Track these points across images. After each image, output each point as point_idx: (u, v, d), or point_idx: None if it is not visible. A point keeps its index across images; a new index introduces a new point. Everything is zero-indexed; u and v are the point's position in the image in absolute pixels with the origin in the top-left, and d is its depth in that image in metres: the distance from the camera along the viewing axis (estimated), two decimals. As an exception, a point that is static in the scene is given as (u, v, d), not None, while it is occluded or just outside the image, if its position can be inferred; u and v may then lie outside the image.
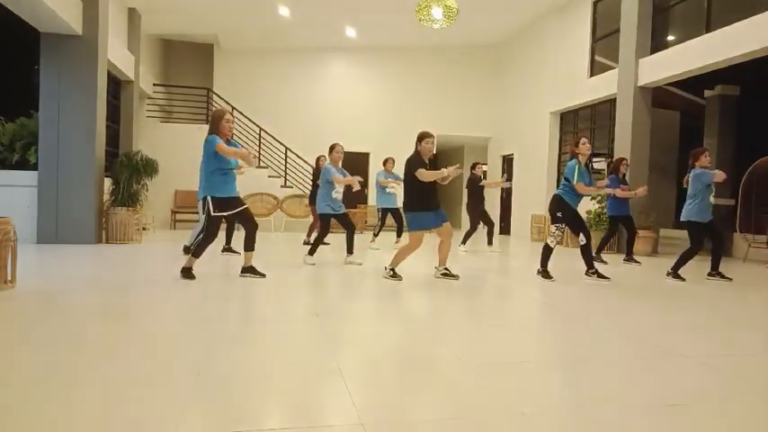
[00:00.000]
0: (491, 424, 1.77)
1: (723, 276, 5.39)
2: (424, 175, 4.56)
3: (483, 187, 7.98)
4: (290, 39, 12.25)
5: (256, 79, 12.73)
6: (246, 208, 4.60)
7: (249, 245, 4.60)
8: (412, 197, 4.71)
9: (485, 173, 8.09)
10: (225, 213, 4.47)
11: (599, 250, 6.77)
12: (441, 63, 13.49)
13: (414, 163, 4.65)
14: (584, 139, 5.12)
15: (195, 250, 4.49)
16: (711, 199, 5.31)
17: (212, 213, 4.41)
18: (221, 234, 6.73)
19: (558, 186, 5.27)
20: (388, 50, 13.25)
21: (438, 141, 4.79)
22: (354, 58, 13.25)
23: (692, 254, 5.36)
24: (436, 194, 4.79)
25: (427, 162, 4.73)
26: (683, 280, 5.30)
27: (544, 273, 5.13)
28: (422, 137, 4.71)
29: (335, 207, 5.86)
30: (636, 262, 6.90)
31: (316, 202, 7.97)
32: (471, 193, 8.02)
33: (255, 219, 4.67)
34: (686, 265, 5.36)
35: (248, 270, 4.62)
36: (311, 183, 8.40)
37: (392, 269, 4.86)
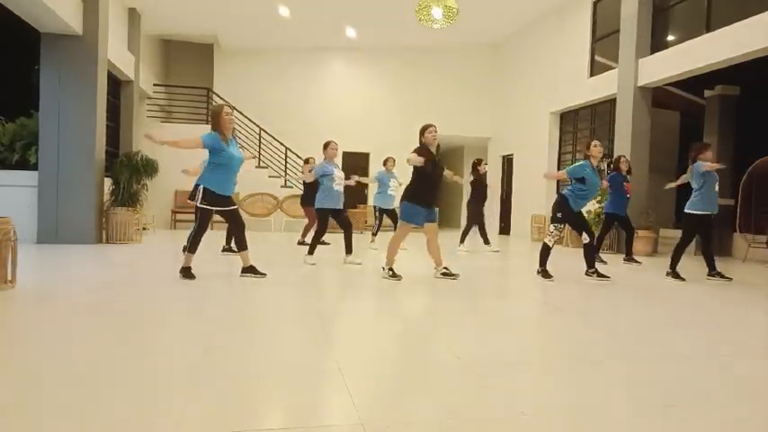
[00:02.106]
0: (491, 424, 1.77)
1: (723, 276, 5.38)
2: (409, 157, 4.61)
3: (485, 186, 7.93)
4: (290, 39, 12.26)
5: (256, 79, 12.73)
6: (236, 208, 4.64)
7: (241, 244, 4.63)
8: (410, 187, 4.78)
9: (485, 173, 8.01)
10: (210, 208, 4.47)
11: (596, 249, 6.77)
12: (441, 63, 13.49)
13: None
14: (595, 142, 5.13)
15: (190, 246, 4.50)
16: (717, 187, 5.30)
17: (199, 203, 4.41)
18: (220, 234, 6.74)
19: (558, 188, 5.27)
20: (388, 50, 13.26)
21: (438, 141, 4.84)
22: (354, 57, 13.26)
23: (682, 247, 5.41)
24: (435, 193, 4.78)
25: (434, 152, 4.74)
26: (683, 279, 5.31)
27: (544, 272, 5.13)
28: (423, 129, 4.78)
29: (335, 201, 5.89)
30: (636, 262, 6.89)
31: (309, 203, 8.09)
32: (473, 191, 8.00)
33: (243, 219, 4.71)
34: (689, 267, 5.36)
35: (248, 270, 4.62)
36: (302, 184, 8.41)
37: (390, 268, 4.86)
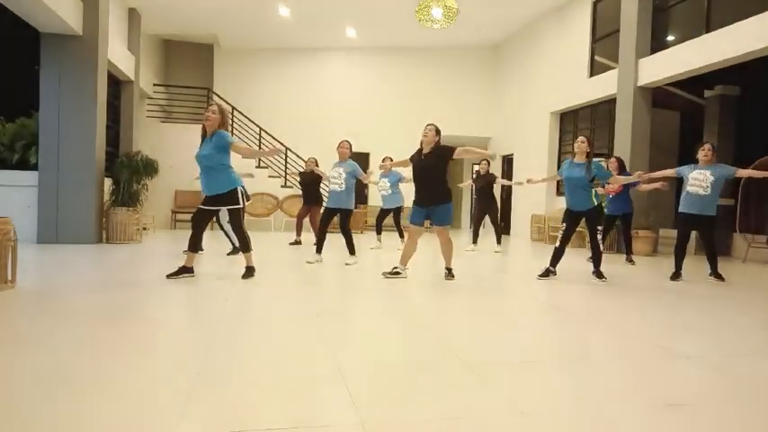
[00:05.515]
0: (491, 424, 1.77)
1: (719, 277, 5.37)
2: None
3: (482, 186, 8.00)
4: (290, 39, 12.26)
5: (256, 79, 12.74)
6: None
7: (243, 245, 4.69)
8: None
9: (477, 172, 8.20)
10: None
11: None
12: (441, 63, 13.49)
13: None
14: (580, 137, 5.19)
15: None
16: (687, 187, 5.30)
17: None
18: (220, 234, 6.73)
19: (565, 190, 5.26)
20: (388, 50, 13.26)
21: (435, 139, 4.85)
22: (354, 58, 13.26)
23: (676, 247, 5.46)
24: (422, 190, 4.77)
25: (423, 150, 4.77)
26: (678, 279, 5.33)
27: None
28: None
29: (328, 201, 5.99)
30: (631, 262, 6.88)
31: (311, 202, 8.02)
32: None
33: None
34: (689, 266, 5.36)
35: (246, 270, 4.65)
36: (306, 184, 8.40)
37: (395, 266, 4.91)
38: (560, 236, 5.17)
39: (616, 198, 6.91)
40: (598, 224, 5.19)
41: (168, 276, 4.39)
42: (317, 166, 7.80)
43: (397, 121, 12.93)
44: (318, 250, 5.85)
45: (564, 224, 5.17)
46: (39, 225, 7.03)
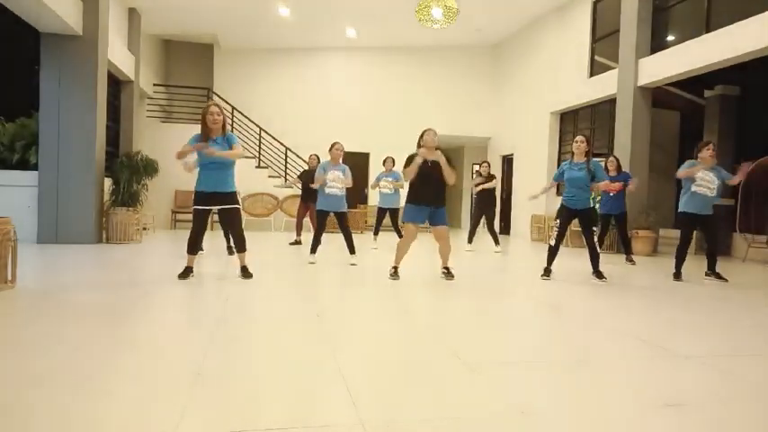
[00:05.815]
0: (491, 424, 1.77)
1: (720, 277, 5.37)
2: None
3: (484, 189, 8.02)
4: (290, 39, 12.26)
5: (256, 79, 12.73)
6: (225, 208, 4.63)
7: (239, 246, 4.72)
8: (409, 188, 4.90)
9: (477, 172, 8.20)
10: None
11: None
12: (441, 63, 13.49)
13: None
14: (577, 137, 5.20)
15: (187, 247, 4.56)
16: (694, 187, 5.26)
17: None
18: (219, 233, 6.73)
19: (567, 190, 5.26)
20: (388, 50, 13.26)
21: (438, 141, 4.90)
22: (354, 58, 13.26)
23: (679, 247, 5.42)
24: (425, 190, 4.76)
25: (429, 153, 4.75)
26: (681, 280, 5.32)
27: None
28: (422, 133, 4.91)
29: (324, 203, 5.94)
30: (631, 262, 6.88)
31: (308, 200, 8.05)
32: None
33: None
34: (688, 266, 5.35)
35: (243, 270, 4.66)
36: (307, 182, 8.42)
37: (394, 267, 4.90)
38: (555, 234, 5.20)
39: (614, 198, 6.92)
40: (593, 224, 5.21)
41: (180, 277, 4.43)
42: (318, 162, 7.80)
43: (397, 120, 12.93)
44: (313, 251, 5.88)
45: (557, 221, 5.20)
46: (39, 225, 7.03)
